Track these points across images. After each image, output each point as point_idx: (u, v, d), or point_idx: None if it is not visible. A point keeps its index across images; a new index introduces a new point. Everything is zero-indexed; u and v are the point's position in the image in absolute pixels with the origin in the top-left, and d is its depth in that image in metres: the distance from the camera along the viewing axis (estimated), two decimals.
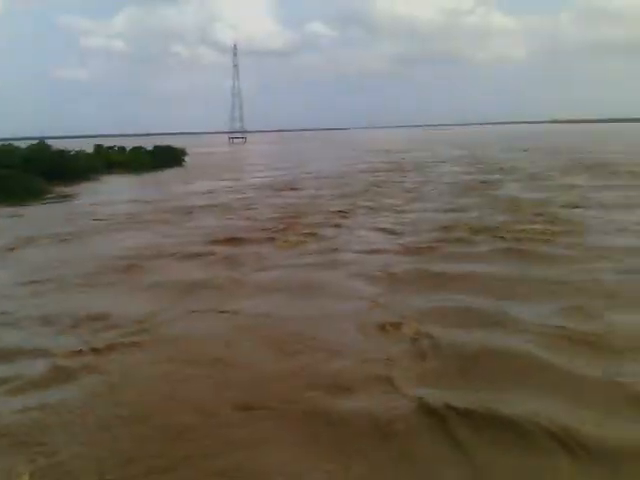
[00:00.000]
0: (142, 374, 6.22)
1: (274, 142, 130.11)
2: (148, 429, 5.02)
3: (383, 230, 14.02)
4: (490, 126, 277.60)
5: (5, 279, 10.49)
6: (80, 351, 6.77)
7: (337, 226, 14.77)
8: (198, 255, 11.81)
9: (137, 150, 44.85)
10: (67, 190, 26.16)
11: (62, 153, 32.31)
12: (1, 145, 34.47)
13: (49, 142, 34.59)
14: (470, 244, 11.99)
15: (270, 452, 4.61)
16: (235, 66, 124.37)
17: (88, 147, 41.38)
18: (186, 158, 46.47)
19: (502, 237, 12.35)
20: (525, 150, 49.91)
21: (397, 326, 7.23)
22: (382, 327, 7.23)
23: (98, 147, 44.10)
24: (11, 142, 38.55)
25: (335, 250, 11.88)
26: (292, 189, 24.59)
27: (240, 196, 22.47)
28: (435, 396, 5.29)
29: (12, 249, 13.35)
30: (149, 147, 45.14)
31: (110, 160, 39.31)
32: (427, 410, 5.08)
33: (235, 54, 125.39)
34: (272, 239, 13.22)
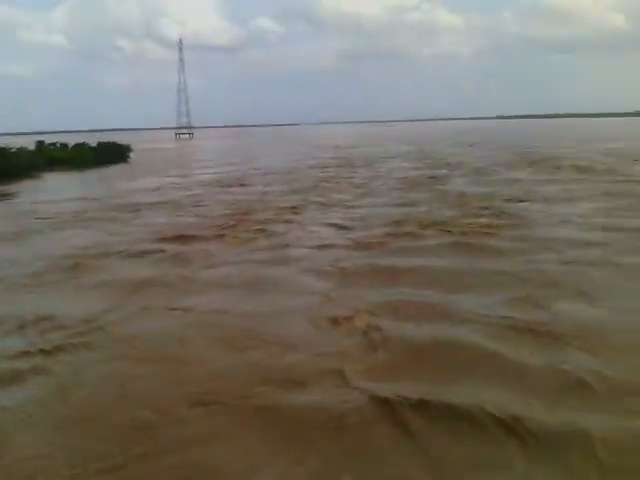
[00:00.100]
0: (93, 374, 6.07)
1: (222, 138, 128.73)
2: (101, 428, 4.91)
3: (334, 225, 14.04)
4: (438, 122, 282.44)
5: None
6: (28, 352, 6.55)
7: (288, 222, 14.72)
8: (146, 253, 11.56)
9: (80, 147, 43.58)
10: (5, 189, 25.19)
11: (2, 150, 31.12)
12: None
13: None
14: (419, 238, 12.15)
15: (224, 447, 4.58)
16: (181, 61, 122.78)
17: (31, 144, 40.03)
18: (131, 154, 45.51)
19: (450, 231, 12.58)
20: (471, 145, 51.01)
21: (349, 320, 7.26)
22: (334, 321, 7.25)
23: (39, 144, 42.66)
24: None
25: (286, 246, 11.85)
26: (241, 185, 24.37)
27: (188, 193, 22.12)
28: (387, 388, 5.34)
29: None
30: (93, 144, 43.98)
31: (52, 157, 38.04)
32: (380, 402, 5.10)
33: (181, 49, 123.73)
34: (222, 236, 13.07)
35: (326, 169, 30.82)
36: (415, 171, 27.72)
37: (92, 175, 33.92)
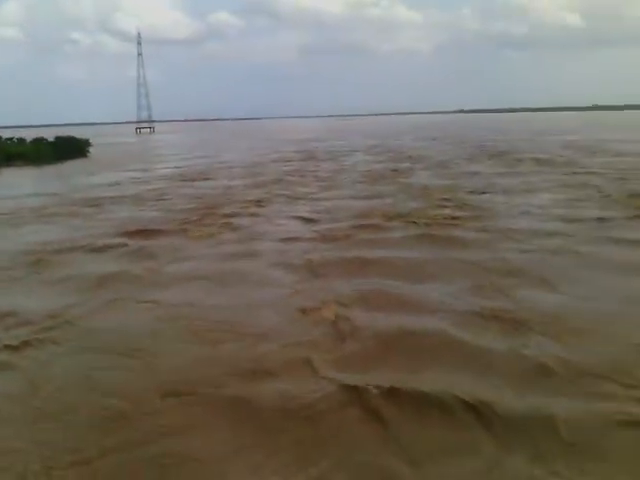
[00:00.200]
0: (62, 368, 5.98)
1: (184, 132, 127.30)
2: (73, 421, 4.86)
3: (300, 218, 14.05)
4: (401, 116, 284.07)
5: None
6: None
7: (253, 215, 14.67)
8: (110, 247, 11.38)
9: (38, 141, 42.41)
10: None
11: None
12: None
13: None
14: (385, 230, 12.26)
15: (199, 438, 4.57)
16: (139, 55, 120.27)
17: None
18: (90, 149, 44.57)
19: (415, 222, 12.74)
20: (434, 139, 51.60)
21: (317, 311, 7.30)
22: (303, 312, 7.29)
23: None
24: None
25: (253, 239, 11.81)
26: (205, 179, 24.15)
27: (150, 187, 21.81)
28: (357, 377, 5.40)
29: None
30: (52, 139, 42.92)
31: (9, 152, 36.94)
32: (350, 391, 5.16)
33: (139, 43, 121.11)
34: (186, 230, 12.94)
35: (290, 163, 30.78)
36: (379, 164, 27.89)
37: (51, 170, 33.09)
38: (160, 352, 6.29)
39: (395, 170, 24.59)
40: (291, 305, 7.59)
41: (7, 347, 6.46)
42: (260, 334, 6.63)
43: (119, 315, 7.56)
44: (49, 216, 15.69)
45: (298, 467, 4.15)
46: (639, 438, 4.38)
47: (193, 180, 23.87)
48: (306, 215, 14.33)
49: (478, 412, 4.72)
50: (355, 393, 5.12)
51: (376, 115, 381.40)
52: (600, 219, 12.40)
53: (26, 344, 6.54)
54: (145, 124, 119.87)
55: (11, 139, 43.35)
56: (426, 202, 15.53)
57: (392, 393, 5.06)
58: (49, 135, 43.99)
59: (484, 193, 16.81)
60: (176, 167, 30.81)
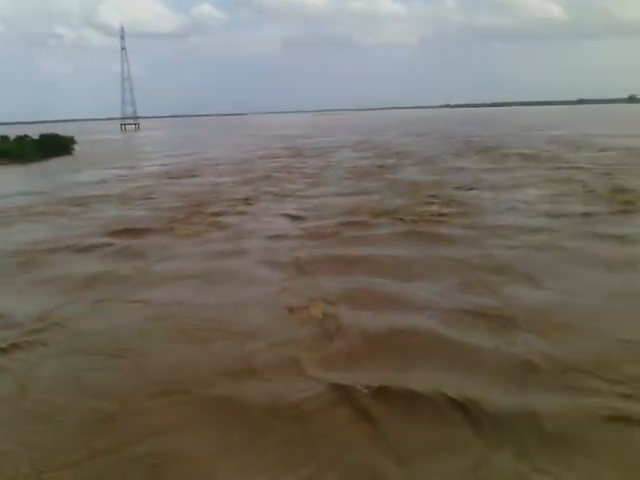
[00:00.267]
0: (51, 369, 5.97)
1: (170, 128, 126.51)
2: (63, 423, 4.86)
3: (287, 216, 14.05)
4: (386, 111, 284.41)
5: None
6: None
7: (241, 213, 14.64)
8: (98, 247, 11.33)
9: (22, 139, 41.93)
10: None
11: None
12: None
13: None
14: (372, 227, 12.30)
15: (188, 437, 4.60)
16: (123, 49, 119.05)
17: None
18: (75, 147, 44.20)
19: (402, 219, 12.79)
20: (419, 135, 51.68)
21: (305, 309, 7.33)
22: (290, 310, 7.31)
23: None
24: None
25: (240, 237, 11.80)
26: (192, 177, 24.05)
27: (137, 185, 21.69)
28: (345, 375, 5.44)
29: None
30: (36, 136, 42.47)
31: None
32: (338, 390, 5.19)
33: (123, 37, 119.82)
34: (174, 228, 12.89)
35: (277, 159, 30.72)
36: (365, 160, 27.92)
37: (36, 168, 32.79)
38: (149, 352, 6.30)
39: (382, 166, 24.62)
40: (279, 303, 7.61)
41: None
42: (248, 333, 6.65)
43: (107, 315, 7.55)
44: (36, 215, 15.58)
45: (287, 466, 4.18)
46: (624, 433, 4.45)
47: (180, 178, 23.76)
48: (293, 212, 14.33)
49: (466, 410, 4.77)
50: (343, 392, 5.15)
51: (362, 110, 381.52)
52: (585, 214, 12.52)
53: (15, 346, 6.52)
54: (130, 120, 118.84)
55: None
56: (413, 199, 15.58)
57: (380, 392, 5.10)
58: (32, 133, 43.52)
59: (471, 189, 16.88)
60: (162, 164, 30.62)
